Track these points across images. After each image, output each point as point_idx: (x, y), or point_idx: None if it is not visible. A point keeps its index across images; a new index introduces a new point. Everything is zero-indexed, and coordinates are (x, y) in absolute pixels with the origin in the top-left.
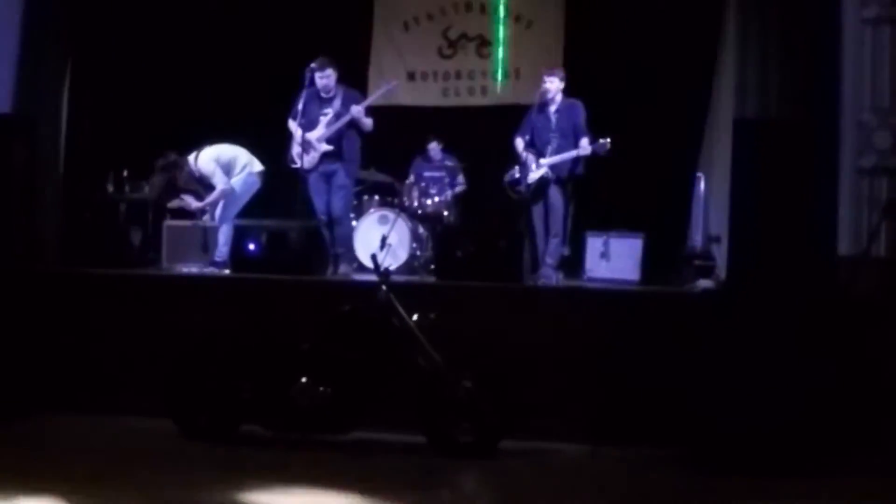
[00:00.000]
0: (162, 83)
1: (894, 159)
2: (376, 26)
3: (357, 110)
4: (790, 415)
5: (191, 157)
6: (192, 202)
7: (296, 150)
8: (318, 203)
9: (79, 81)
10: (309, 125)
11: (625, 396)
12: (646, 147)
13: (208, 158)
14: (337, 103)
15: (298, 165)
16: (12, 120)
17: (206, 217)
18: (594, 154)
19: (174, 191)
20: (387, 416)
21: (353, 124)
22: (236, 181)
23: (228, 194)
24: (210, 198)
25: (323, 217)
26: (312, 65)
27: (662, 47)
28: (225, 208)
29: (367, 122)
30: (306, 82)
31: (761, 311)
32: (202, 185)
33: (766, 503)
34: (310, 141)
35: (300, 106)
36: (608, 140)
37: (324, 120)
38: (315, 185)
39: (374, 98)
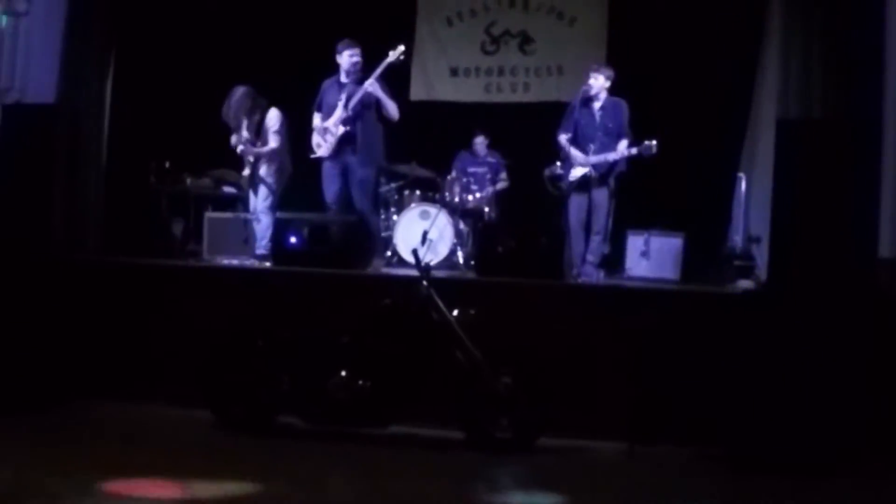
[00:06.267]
0: (206, 74)
1: None
2: (419, 21)
3: (368, 83)
4: (828, 416)
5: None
6: (249, 146)
7: (315, 138)
8: (328, 192)
9: (122, 72)
10: (328, 113)
11: (662, 395)
12: (687, 146)
13: (278, 116)
14: (353, 86)
15: (317, 154)
16: (56, 110)
17: (248, 171)
18: (640, 156)
19: (246, 116)
20: (425, 410)
21: (373, 106)
22: (278, 162)
23: (273, 161)
24: (263, 149)
25: (333, 206)
26: (338, 45)
27: (705, 46)
28: (261, 198)
29: (391, 106)
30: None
31: (801, 311)
32: (250, 133)
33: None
34: (327, 127)
35: (320, 97)
36: (654, 143)
37: (340, 104)
38: (328, 173)
39: (381, 69)
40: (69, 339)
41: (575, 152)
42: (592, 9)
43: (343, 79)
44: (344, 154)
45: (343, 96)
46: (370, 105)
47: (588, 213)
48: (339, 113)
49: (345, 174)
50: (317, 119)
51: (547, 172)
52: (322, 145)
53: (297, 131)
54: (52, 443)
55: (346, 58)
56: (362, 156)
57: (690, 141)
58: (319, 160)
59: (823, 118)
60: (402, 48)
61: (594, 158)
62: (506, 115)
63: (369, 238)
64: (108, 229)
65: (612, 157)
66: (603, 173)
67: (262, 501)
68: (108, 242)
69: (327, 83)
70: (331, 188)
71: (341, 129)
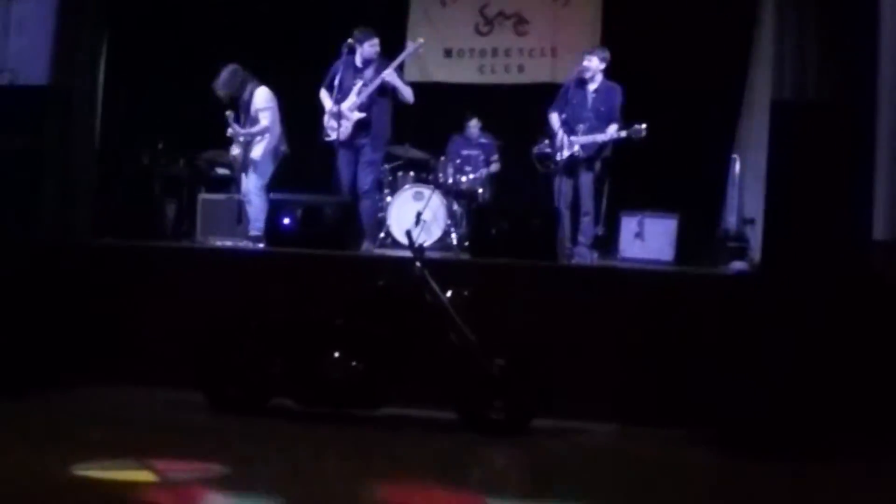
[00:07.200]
0: (199, 55)
1: None
2: (413, 2)
3: (387, 73)
4: (822, 398)
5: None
6: (237, 128)
7: (328, 122)
8: (345, 177)
9: (115, 53)
10: (343, 97)
11: (655, 376)
12: (681, 127)
13: (266, 95)
14: (370, 72)
15: (332, 138)
16: (48, 92)
17: (238, 152)
18: (628, 139)
19: (235, 96)
20: (418, 392)
21: (388, 93)
22: (268, 143)
23: (264, 140)
24: (253, 129)
25: (346, 190)
26: (356, 33)
27: (699, 27)
28: (252, 180)
29: (406, 91)
30: (343, 54)
31: (795, 293)
32: (239, 113)
33: (794, 486)
34: (342, 111)
35: (337, 79)
36: (643, 126)
37: (355, 89)
38: (343, 159)
39: (400, 59)
40: (60, 322)
41: (561, 134)
42: None
43: (360, 64)
44: (357, 138)
45: (359, 82)
46: (385, 92)
47: (576, 195)
48: (353, 98)
49: (356, 157)
50: (327, 99)
51: (535, 150)
52: (336, 129)
53: (292, 113)
54: (41, 426)
55: (368, 47)
56: (375, 140)
57: (685, 122)
58: (331, 144)
59: (818, 100)
60: (421, 41)
61: (582, 139)
62: (499, 96)
63: (359, 219)
64: (100, 211)
65: (600, 138)
66: (590, 156)
67: (255, 482)
68: (101, 224)
69: (339, 64)
70: (346, 172)
71: (357, 115)
